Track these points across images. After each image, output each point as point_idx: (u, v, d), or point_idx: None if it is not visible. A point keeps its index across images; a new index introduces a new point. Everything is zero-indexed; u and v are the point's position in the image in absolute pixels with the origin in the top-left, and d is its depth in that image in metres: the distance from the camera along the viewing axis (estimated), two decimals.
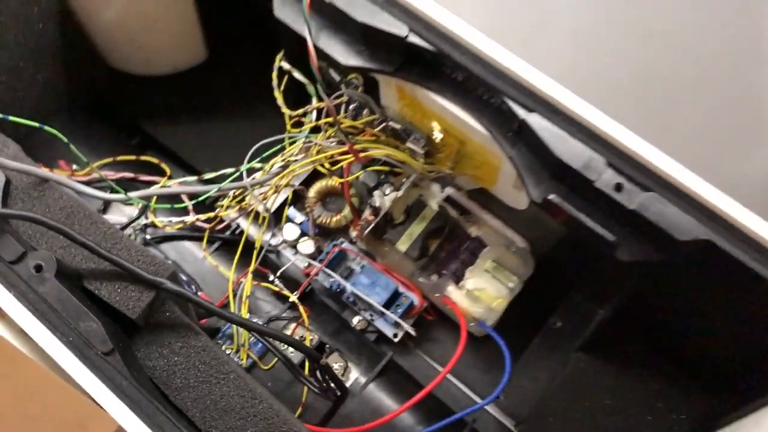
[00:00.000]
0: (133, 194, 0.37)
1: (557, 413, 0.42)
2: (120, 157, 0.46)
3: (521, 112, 0.31)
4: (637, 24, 0.67)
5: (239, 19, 0.47)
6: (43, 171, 0.33)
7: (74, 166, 0.45)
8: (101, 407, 0.29)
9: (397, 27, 0.33)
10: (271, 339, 0.40)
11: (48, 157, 0.45)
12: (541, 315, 0.45)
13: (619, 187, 0.30)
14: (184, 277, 0.42)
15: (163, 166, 0.46)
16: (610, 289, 0.42)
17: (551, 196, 0.31)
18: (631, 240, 0.31)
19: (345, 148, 0.39)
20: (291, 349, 0.41)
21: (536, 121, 0.31)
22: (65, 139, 0.40)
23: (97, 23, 0.43)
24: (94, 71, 0.47)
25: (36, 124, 0.38)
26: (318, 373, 0.37)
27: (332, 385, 0.38)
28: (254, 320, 0.41)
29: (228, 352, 0.41)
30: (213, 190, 0.39)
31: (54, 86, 0.45)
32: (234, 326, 0.41)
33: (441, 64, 0.33)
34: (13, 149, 0.35)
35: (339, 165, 0.40)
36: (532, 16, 0.69)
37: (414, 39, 0.33)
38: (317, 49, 0.35)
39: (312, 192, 0.46)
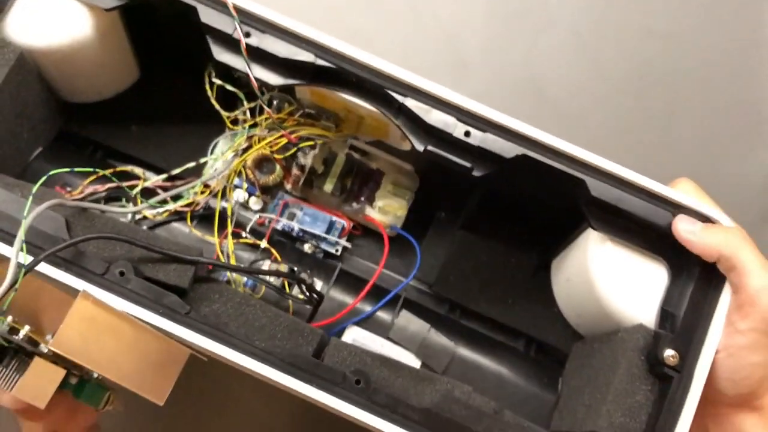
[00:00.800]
0: (152, 201, 0.52)
1: (455, 273, 0.62)
2: (100, 172, 0.59)
3: (399, 98, 0.49)
4: (637, 24, 0.68)
5: (163, 42, 0.60)
6: (90, 204, 0.48)
7: (68, 188, 0.59)
8: (188, 346, 0.46)
9: (306, 56, 0.49)
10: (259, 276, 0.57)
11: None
12: (431, 212, 0.64)
13: (467, 134, 0.49)
14: None
15: (136, 171, 0.60)
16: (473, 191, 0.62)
17: (429, 147, 0.50)
18: (480, 163, 0.50)
19: (278, 134, 0.56)
20: (272, 279, 0.59)
21: (410, 102, 0.49)
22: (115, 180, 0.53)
23: (58, 75, 0.56)
24: (57, 110, 0.60)
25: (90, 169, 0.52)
26: (302, 287, 0.55)
27: (312, 294, 0.56)
28: (241, 265, 0.59)
29: None
30: (199, 182, 0.55)
31: (35, 133, 0.57)
32: (230, 274, 0.57)
33: (340, 73, 0.50)
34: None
35: (277, 146, 0.56)
36: (533, 17, 0.72)
37: (320, 62, 0.49)
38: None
39: (249, 162, 0.62)
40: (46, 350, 0.46)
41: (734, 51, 0.68)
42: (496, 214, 0.62)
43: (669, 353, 0.47)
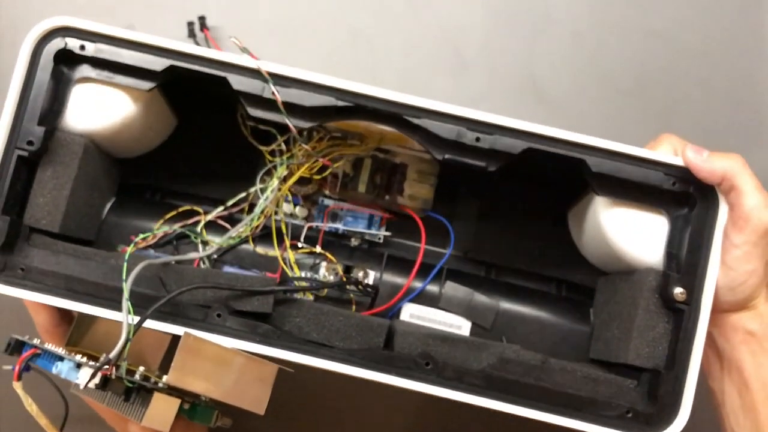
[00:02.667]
0: (223, 239, 0.61)
1: (485, 238, 0.71)
2: (166, 216, 0.68)
3: (414, 120, 0.57)
4: (637, 24, 0.68)
5: (195, 94, 0.67)
6: (175, 257, 0.57)
7: (140, 236, 0.67)
8: (279, 364, 0.56)
9: (327, 100, 0.57)
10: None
11: (120, 240, 0.67)
12: (454, 191, 0.72)
13: (478, 139, 0.57)
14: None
15: (196, 208, 0.69)
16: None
17: (446, 156, 0.58)
18: (492, 161, 0.57)
19: (313, 160, 0.64)
20: (332, 277, 0.68)
21: (424, 122, 0.57)
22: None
23: (112, 145, 0.64)
24: (115, 170, 0.68)
25: (156, 230, 0.61)
26: (359, 287, 0.64)
27: (368, 288, 0.65)
28: (303, 274, 0.68)
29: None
30: (256, 213, 0.64)
31: (103, 195, 0.66)
32: (297, 282, 0.67)
33: (358, 107, 0.57)
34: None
35: (314, 169, 0.64)
36: (533, 17, 0.72)
37: (340, 102, 0.57)
38: None
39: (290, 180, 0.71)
40: (161, 384, 0.56)
41: (734, 51, 0.68)
42: (512, 182, 0.70)
43: (678, 291, 0.56)
